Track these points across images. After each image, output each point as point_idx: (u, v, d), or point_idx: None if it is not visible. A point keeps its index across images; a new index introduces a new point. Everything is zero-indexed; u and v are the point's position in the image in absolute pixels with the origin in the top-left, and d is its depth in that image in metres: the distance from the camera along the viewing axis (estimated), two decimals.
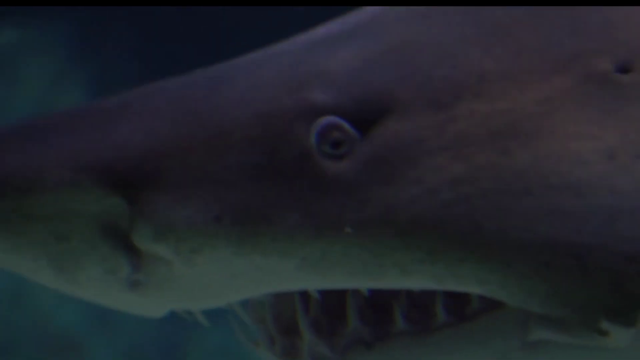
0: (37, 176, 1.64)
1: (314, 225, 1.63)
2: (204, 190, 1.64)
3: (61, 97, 6.52)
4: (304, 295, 1.76)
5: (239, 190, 1.64)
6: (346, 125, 1.67)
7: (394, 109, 1.69)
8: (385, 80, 1.71)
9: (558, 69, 1.72)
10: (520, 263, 1.64)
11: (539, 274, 1.64)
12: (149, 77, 1.82)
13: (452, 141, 1.67)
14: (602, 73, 1.72)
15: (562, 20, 1.76)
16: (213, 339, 6.32)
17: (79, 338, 6.42)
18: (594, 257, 1.64)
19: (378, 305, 1.77)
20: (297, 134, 1.66)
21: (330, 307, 1.78)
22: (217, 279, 1.67)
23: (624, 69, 1.73)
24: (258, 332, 1.82)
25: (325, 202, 1.64)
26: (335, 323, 1.77)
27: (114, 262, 1.66)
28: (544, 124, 1.68)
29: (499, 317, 1.71)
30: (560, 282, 1.65)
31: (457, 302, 1.74)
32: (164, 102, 1.71)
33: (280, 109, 1.68)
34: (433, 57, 1.73)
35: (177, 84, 1.75)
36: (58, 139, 1.67)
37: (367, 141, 1.67)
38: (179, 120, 1.68)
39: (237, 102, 1.69)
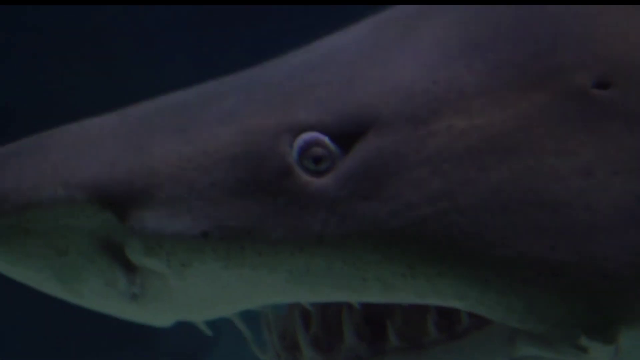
0: (33, 193, 1.69)
1: (297, 240, 1.66)
2: (192, 207, 1.67)
3: None
4: (306, 312, 1.81)
5: (225, 206, 1.67)
6: (327, 141, 1.69)
7: (375, 125, 1.70)
8: (366, 96, 1.72)
9: (537, 84, 1.73)
10: (497, 279, 1.65)
11: (516, 290, 1.65)
12: None
13: (430, 157, 1.68)
14: (581, 88, 1.73)
15: (543, 34, 1.76)
16: None
17: None
18: (570, 273, 1.65)
19: (374, 321, 1.80)
20: (280, 150, 1.69)
21: (329, 324, 1.81)
22: (210, 291, 1.71)
23: (602, 85, 1.73)
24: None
25: (307, 217, 1.67)
26: (333, 339, 1.81)
27: (112, 275, 1.71)
28: (522, 140, 1.68)
29: (486, 334, 1.73)
30: (538, 298, 1.65)
31: (449, 320, 1.76)
32: (157, 120, 1.75)
33: (263, 125, 1.70)
34: (415, 72, 1.74)
35: (169, 102, 1.80)
36: (55, 157, 1.72)
37: (348, 157, 1.69)
38: (168, 138, 1.72)
39: (223, 119, 1.73)
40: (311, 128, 1.70)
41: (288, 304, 1.82)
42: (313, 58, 1.82)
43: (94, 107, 2.01)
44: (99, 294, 1.74)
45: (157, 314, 1.77)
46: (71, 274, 1.73)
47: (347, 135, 1.70)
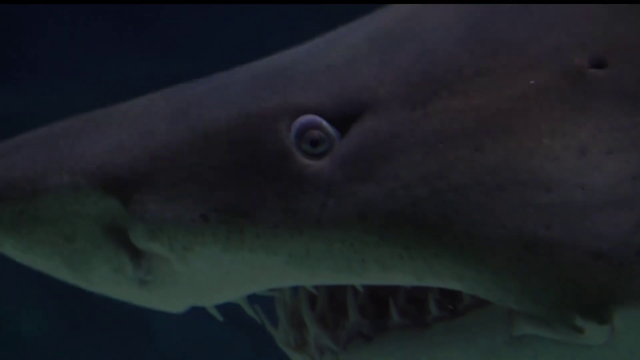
0: (41, 180, 1.74)
1: (296, 222, 1.68)
2: (192, 190, 1.70)
3: None
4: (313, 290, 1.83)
5: (224, 190, 1.70)
6: (325, 124, 1.71)
7: (372, 107, 1.72)
8: (364, 78, 1.74)
9: (534, 65, 1.73)
10: (493, 258, 1.66)
11: (511, 270, 1.66)
12: None
13: (426, 137, 1.69)
14: (578, 69, 1.73)
15: (542, 15, 1.77)
16: None
17: None
18: (564, 253, 1.66)
19: (378, 300, 1.82)
20: (278, 133, 1.71)
21: (337, 301, 1.84)
22: (213, 275, 1.74)
23: (599, 64, 1.73)
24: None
25: (305, 200, 1.69)
26: (338, 317, 1.83)
27: (119, 262, 1.75)
28: (517, 120, 1.70)
29: (487, 312, 1.74)
30: (532, 278, 1.66)
31: (451, 298, 1.77)
32: (162, 108, 1.79)
33: (262, 109, 1.73)
34: (413, 54, 1.76)
35: (176, 91, 1.84)
36: (62, 145, 1.76)
37: (345, 139, 1.71)
38: (171, 124, 1.75)
39: (225, 105, 1.76)
40: (309, 111, 1.72)
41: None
42: (315, 47, 1.84)
43: None
44: (108, 280, 1.77)
45: (166, 300, 1.80)
46: (80, 261, 1.76)
47: (344, 118, 1.72)
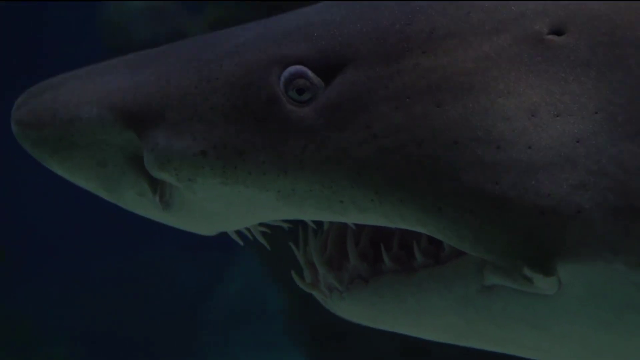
0: (75, 110, 1.96)
1: (281, 163, 1.85)
2: (194, 128, 1.89)
3: None
4: (325, 235, 2.01)
5: (221, 129, 1.88)
6: (310, 74, 1.86)
7: (353, 61, 1.86)
8: (349, 35, 1.88)
9: (500, 29, 1.83)
10: (448, 208, 1.77)
11: (464, 219, 1.77)
12: None
13: (396, 92, 1.82)
14: (538, 34, 1.82)
15: None
16: None
17: None
18: (511, 208, 1.75)
19: (377, 245, 1.97)
20: (269, 80, 1.88)
21: (343, 246, 1.99)
22: (219, 204, 1.92)
23: (557, 31, 1.82)
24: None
25: (290, 142, 1.85)
26: (343, 260, 1.99)
27: (140, 187, 1.96)
28: (477, 80, 1.80)
29: (462, 263, 1.85)
30: (483, 229, 1.76)
31: (436, 247, 1.90)
32: (179, 54, 1.98)
33: (259, 58, 1.90)
34: (393, 15, 1.88)
35: (195, 40, 2.02)
36: (98, 81, 1.98)
37: (328, 89, 1.86)
38: (184, 68, 1.94)
39: (230, 53, 1.93)
40: (297, 62, 1.88)
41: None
42: (309, 10, 1.99)
43: None
44: (138, 203, 1.99)
45: (189, 223, 1.99)
46: (113, 184, 1.98)
47: (328, 70, 1.87)
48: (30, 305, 9.31)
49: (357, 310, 1.98)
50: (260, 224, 2.02)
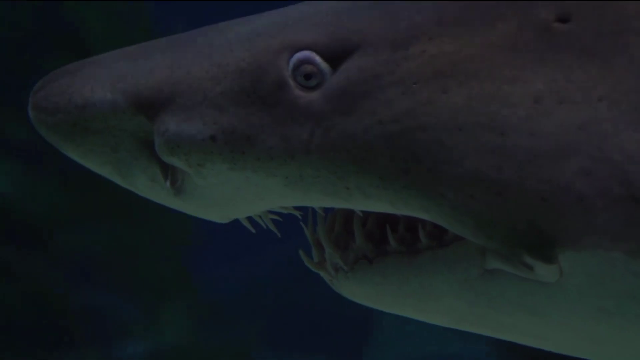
0: (89, 95, 1.99)
1: (288, 148, 1.87)
2: (203, 113, 1.92)
3: None
4: (333, 215, 2.03)
5: (230, 114, 1.90)
6: (318, 60, 1.89)
7: (361, 47, 1.88)
8: (357, 21, 1.90)
9: (507, 17, 1.84)
10: (450, 193, 1.79)
11: (466, 206, 1.78)
12: None
13: (403, 78, 1.84)
14: (543, 22, 1.83)
15: None
16: None
17: None
18: (513, 194, 1.76)
19: (383, 226, 1.98)
20: (278, 66, 1.90)
21: (350, 226, 2.01)
22: (228, 190, 1.94)
23: (563, 19, 1.82)
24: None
25: (297, 128, 1.87)
26: (350, 240, 2.01)
27: (152, 172, 1.99)
28: (483, 66, 1.81)
29: (464, 246, 1.86)
30: (484, 215, 1.78)
31: (440, 230, 1.90)
32: (194, 39, 2.01)
33: (268, 44, 1.92)
34: (402, 2, 1.90)
35: (211, 27, 2.05)
36: (113, 67, 2.01)
37: (335, 75, 1.88)
38: (196, 53, 1.97)
39: (241, 39, 1.96)
40: (306, 47, 1.90)
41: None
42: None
43: None
44: (150, 188, 2.02)
45: (200, 209, 2.01)
46: (126, 170, 2.01)
47: (336, 56, 1.89)
48: None
49: (361, 290, 2.00)
50: (271, 212, 2.04)
